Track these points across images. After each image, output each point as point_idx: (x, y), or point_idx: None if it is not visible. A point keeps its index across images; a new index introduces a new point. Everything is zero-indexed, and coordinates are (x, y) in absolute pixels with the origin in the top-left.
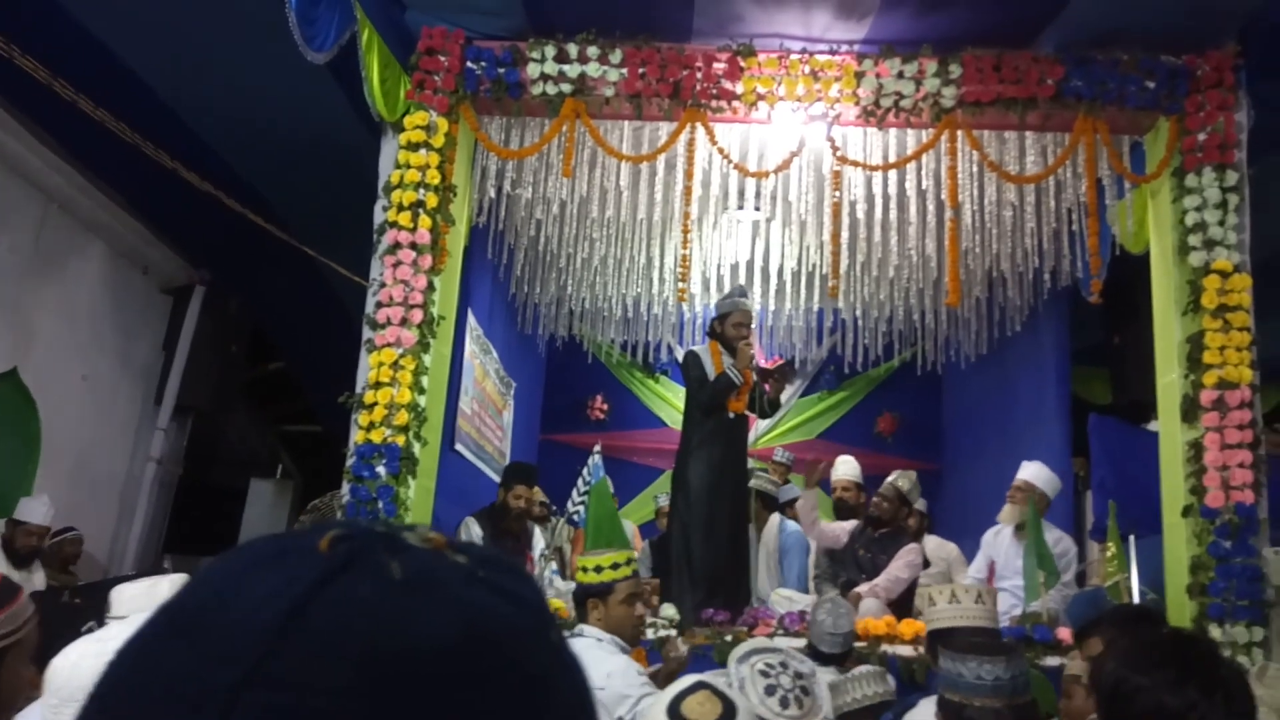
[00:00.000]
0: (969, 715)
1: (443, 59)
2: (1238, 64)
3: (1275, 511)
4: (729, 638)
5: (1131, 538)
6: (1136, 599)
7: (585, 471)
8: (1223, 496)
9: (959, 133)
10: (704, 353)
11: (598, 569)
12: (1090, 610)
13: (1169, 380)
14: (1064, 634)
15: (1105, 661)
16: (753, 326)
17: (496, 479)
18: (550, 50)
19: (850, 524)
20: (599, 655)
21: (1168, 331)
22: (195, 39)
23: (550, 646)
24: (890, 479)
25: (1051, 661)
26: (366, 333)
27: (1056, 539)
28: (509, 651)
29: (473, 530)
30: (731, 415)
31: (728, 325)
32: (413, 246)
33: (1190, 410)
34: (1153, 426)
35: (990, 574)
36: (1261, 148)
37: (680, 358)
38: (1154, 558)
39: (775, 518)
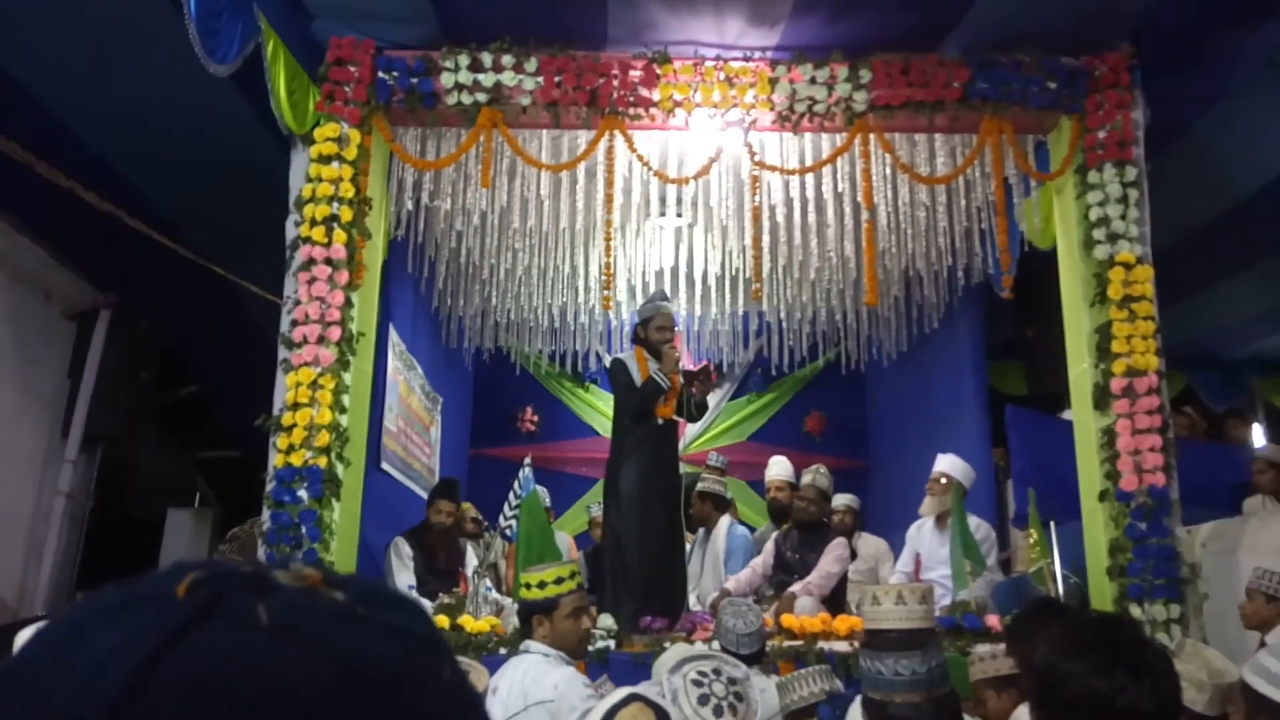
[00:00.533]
0: (892, 712)
1: (353, 69)
2: (1132, 64)
3: (1185, 492)
4: (667, 645)
5: (1052, 524)
6: (1060, 583)
7: (516, 485)
8: (1136, 480)
9: (871, 136)
10: (630, 359)
11: (541, 584)
12: (1016, 596)
13: (1080, 370)
14: (992, 621)
15: (1035, 648)
16: (678, 329)
17: (426, 497)
18: (464, 59)
19: (757, 562)
20: (545, 669)
21: (1077, 323)
22: (88, 51)
23: (442, 684)
24: (807, 479)
25: (983, 648)
26: (282, 352)
27: (975, 525)
28: (391, 693)
29: (402, 550)
30: (660, 421)
31: (650, 330)
32: (328, 262)
33: (1101, 398)
34: (1067, 415)
35: (916, 567)
36: (1157, 143)
37: (608, 365)
38: (1074, 542)
39: (724, 520)
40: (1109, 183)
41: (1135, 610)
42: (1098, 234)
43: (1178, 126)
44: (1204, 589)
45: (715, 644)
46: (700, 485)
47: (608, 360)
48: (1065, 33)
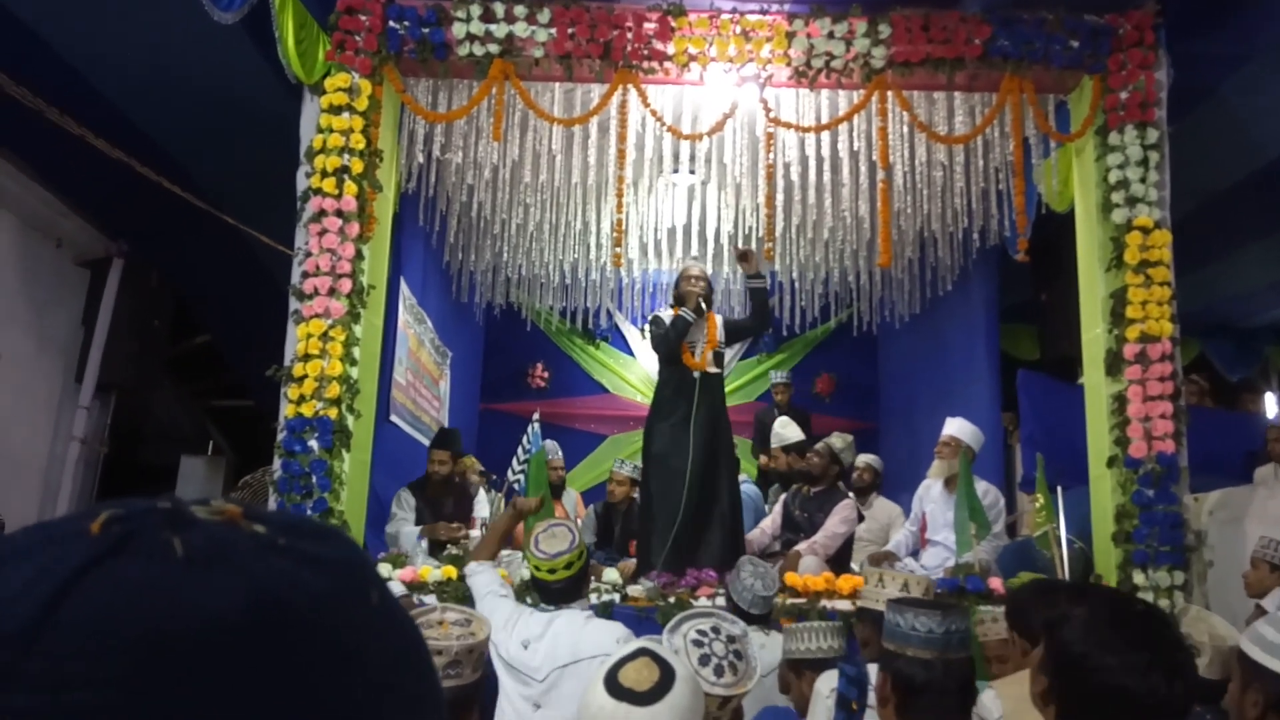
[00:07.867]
0: (899, 665)
1: (363, 18)
2: (1157, 23)
3: (1195, 460)
4: (671, 599)
5: (1059, 489)
6: (1064, 548)
7: (525, 440)
8: (1145, 447)
9: (889, 93)
10: (665, 315)
11: (568, 566)
12: (1020, 560)
13: (1093, 335)
14: (995, 584)
15: (1063, 631)
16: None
17: None
18: (475, 9)
19: (766, 524)
20: (589, 622)
21: (1092, 287)
22: None
23: (366, 610)
24: (828, 438)
25: (985, 609)
26: (293, 304)
27: (985, 490)
28: (309, 620)
29: (404, 500)
30: (696, 375)
31: (681, 283)
32: (339, 214)
33: (1114, 364)
34: (1079, 382)
35: (923, 526)
36: (1181, 105)
37: (619, 324)
38: (1081, 507)
39: None
40: (1130, 145)
41: (1139, 576)
42: (1116, 197)
43: (1202, 88)
44: (1209, 556)
45: (719, 601)
46: None
47: (619, 318)
48: None
